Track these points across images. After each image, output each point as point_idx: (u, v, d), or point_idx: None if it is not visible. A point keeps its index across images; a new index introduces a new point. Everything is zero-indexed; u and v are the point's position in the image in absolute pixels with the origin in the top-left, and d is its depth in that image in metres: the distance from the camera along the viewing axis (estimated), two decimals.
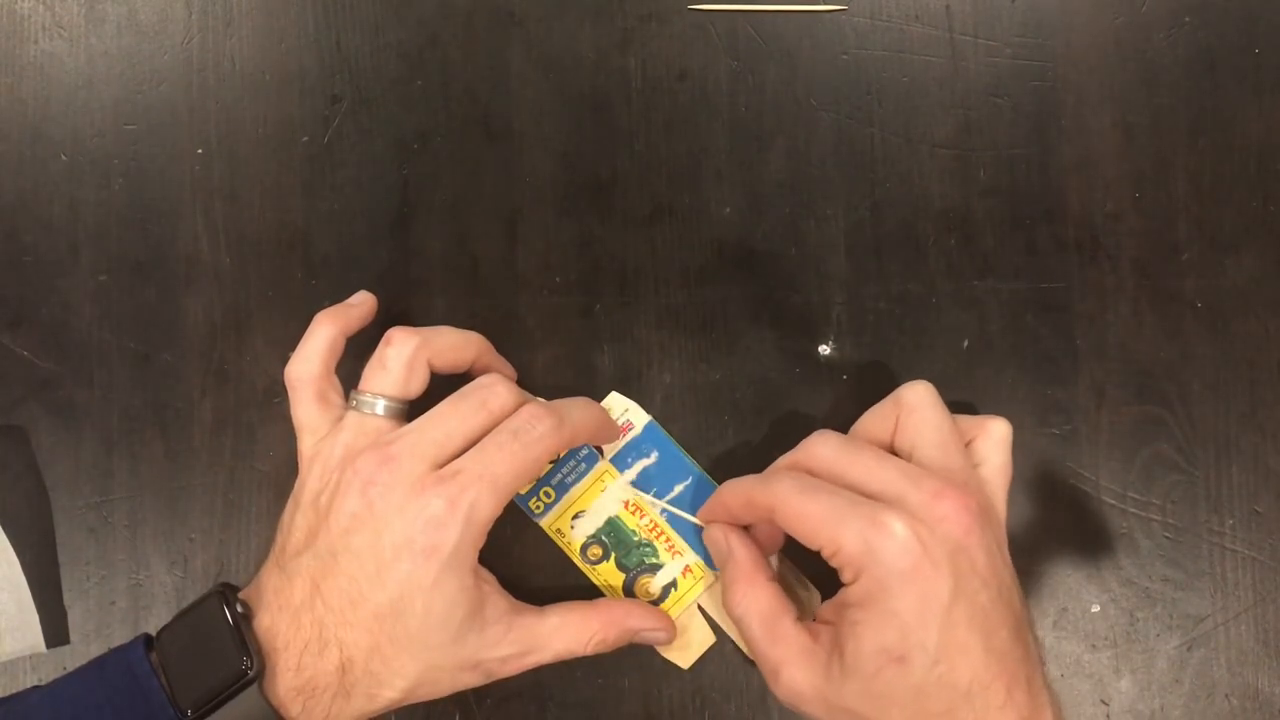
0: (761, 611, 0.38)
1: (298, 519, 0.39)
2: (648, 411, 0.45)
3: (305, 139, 0.46)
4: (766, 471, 0.40)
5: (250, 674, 0.35)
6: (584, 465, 0.44)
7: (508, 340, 0.45)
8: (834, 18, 0.46)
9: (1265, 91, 0.45)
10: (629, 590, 0.44)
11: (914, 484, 0.36)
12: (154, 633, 0.38)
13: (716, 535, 0.41)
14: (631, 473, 0.44)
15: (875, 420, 0.40)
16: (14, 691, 0.39)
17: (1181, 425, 0.45)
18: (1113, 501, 0.44)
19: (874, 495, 0.36)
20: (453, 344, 0.41)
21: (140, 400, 0.45)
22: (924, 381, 0.39)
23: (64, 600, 0.45)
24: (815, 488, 0.37)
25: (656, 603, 0.43)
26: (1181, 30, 0.46)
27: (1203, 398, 0.45)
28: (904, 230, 0.45)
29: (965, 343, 0.45)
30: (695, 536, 0.44)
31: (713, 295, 0.45)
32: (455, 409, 0.39)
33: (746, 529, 0.41)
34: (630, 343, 0.45)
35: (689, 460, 0.44)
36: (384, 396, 0.40)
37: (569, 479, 0.44)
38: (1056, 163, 0.45)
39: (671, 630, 0.42)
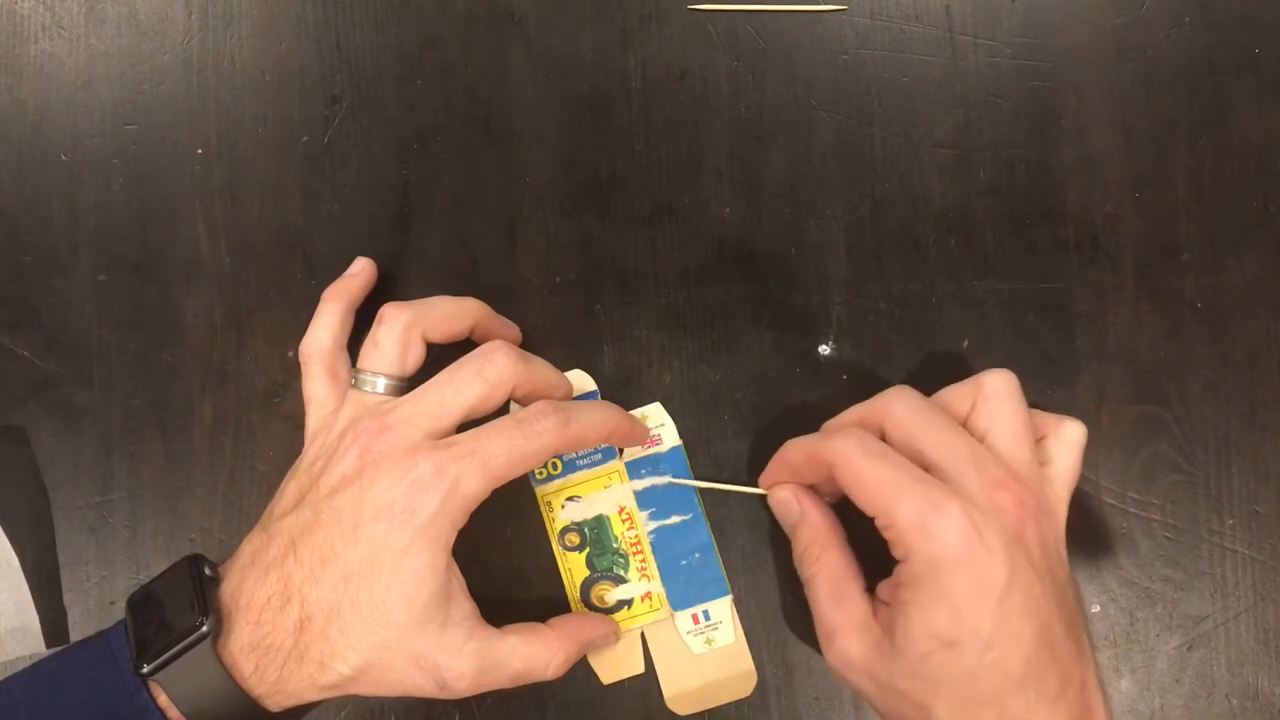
0: (832, 575, 0.38)
1: (291, 484, 0.39)
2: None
3: (305, 139, 0.46)
4: (834, 423, 0.40)
5: (203, 630, 0.35)
6: (600, 455, 0.44)
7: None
8: (834, 18, 0.46)
9: (1265, 91, 0.45)
10: (586, 589, 0.44)
11: (978, 468, 0.36)
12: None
13: (787, 498, 0.41)
14: (639, 484, 0.44)
15: (954, 397, 0.39)
16: None
17: (1181, 425, 0.45)
18: (1113, 501, 0.44)
19: (936, 468, 0.36)
20: (448, 314, 0.41)
21: (140, 400, 0.45)
22: (1007, 370, 0.39)
23: (64, 600, 0.45)
24: (879, 454, 0.37)
25: (606, 613, 0.44)
26: (1181, 30, 0.46)
27: (1203, 398, 0.45)
28: (904, 230, 0.45)
29: (965, 343, 0.45)
30: (671, 569, 0.44)
31: (713, 295, 0.45)
32: (452, 379, 0.39)
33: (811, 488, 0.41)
34: (630, 343, 0.45)
35: (697, 499, 0.44)
36: (382, 375, 0.40)
37: (579, 461, 0.44)
38: (1056, 163, 0.45)
39: (619, 632, 0.43)
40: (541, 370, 0.41)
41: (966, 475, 0.36)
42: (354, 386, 0.40)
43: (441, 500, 0.36)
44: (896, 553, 0.36)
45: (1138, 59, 0.46)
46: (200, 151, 0.46)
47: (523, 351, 0.40)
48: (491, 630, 0.38)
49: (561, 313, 0.45)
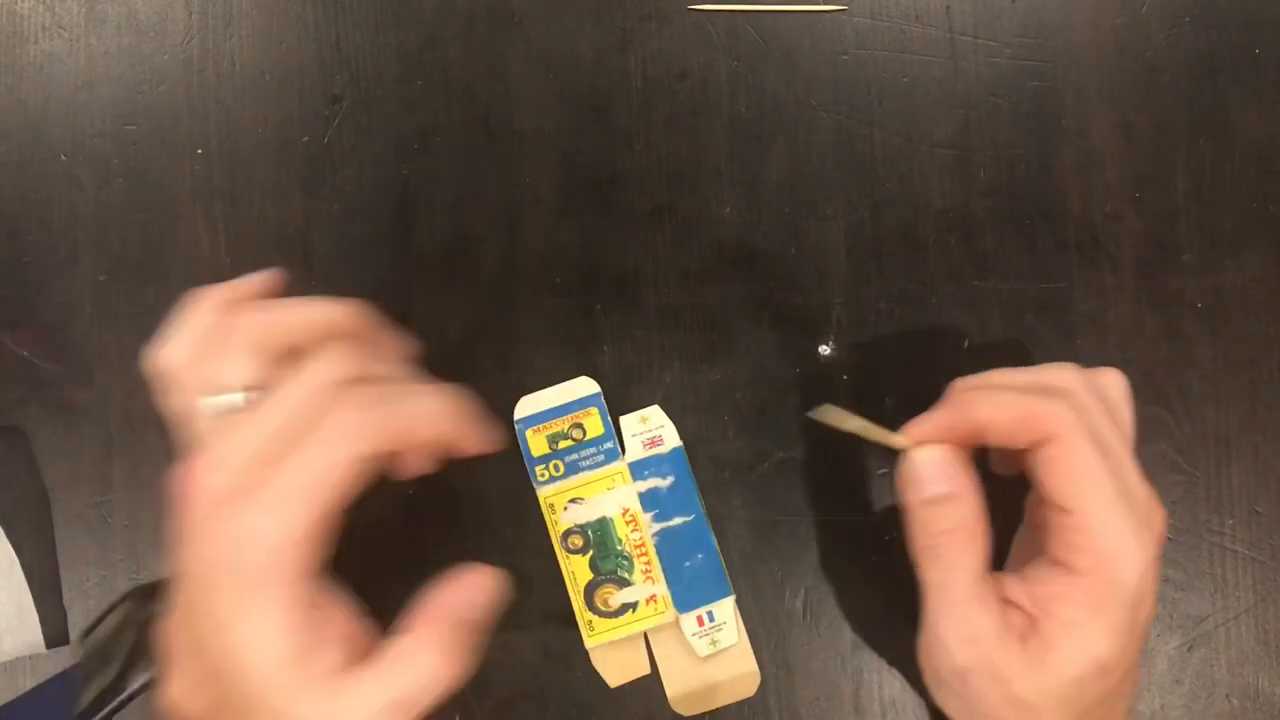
0: (979, 573, 0.34)
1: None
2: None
3: (305, 139, 0.46)
4: (1003, 378, 0.36)
5: (145, 682, 0.34)
6: (603, 457, 0.44)
7: (508, 340, 0.45)
8: (834, 18, 0.46)
9: (1265, 91, 0.45)
10: (590, 592, 0.44)
11: (1146, 495, 0.35)
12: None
13: (942, 463, 0.35)
14: (643, 485, 0.44)
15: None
16: (11, 696, 0.39)
17: (1181, 425, 0.45)
18: None
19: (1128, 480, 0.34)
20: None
21: (140, 400, 0.45)
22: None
23: (64, 600, 0.45)
24: (1104, 451, 0.33)
25: (612, 618, 0.43)
26: (1181, 30, 0.46)
27: (1203, 398, 0.45)
28: (904, 230, 0.45)
29: (965, 343, 0.45)
30: (675, 571, 0.43)
31: (713, 295, 0.45)
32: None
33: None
34: (630, 343, 0.45)
35: (698, 499, 0.44)
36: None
37: (583, 463, 0.44)
38: (1056, 163, 0.45)
39: (497, 581, 0.34)
40: (406, 410, 0.32)
41: (1139, 502, 0.34)
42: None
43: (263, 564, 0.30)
44: (1061, 555, 0.33)
45: (1138, 59, 0.46)
46: (200, 151, 0.46)
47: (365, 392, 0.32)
48: (348, 684, 0.30)
49: (561, 313, 0.45)
